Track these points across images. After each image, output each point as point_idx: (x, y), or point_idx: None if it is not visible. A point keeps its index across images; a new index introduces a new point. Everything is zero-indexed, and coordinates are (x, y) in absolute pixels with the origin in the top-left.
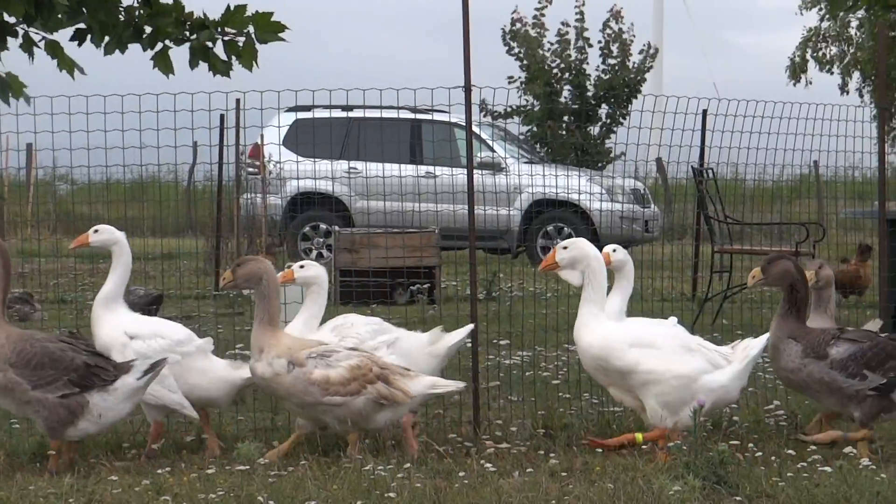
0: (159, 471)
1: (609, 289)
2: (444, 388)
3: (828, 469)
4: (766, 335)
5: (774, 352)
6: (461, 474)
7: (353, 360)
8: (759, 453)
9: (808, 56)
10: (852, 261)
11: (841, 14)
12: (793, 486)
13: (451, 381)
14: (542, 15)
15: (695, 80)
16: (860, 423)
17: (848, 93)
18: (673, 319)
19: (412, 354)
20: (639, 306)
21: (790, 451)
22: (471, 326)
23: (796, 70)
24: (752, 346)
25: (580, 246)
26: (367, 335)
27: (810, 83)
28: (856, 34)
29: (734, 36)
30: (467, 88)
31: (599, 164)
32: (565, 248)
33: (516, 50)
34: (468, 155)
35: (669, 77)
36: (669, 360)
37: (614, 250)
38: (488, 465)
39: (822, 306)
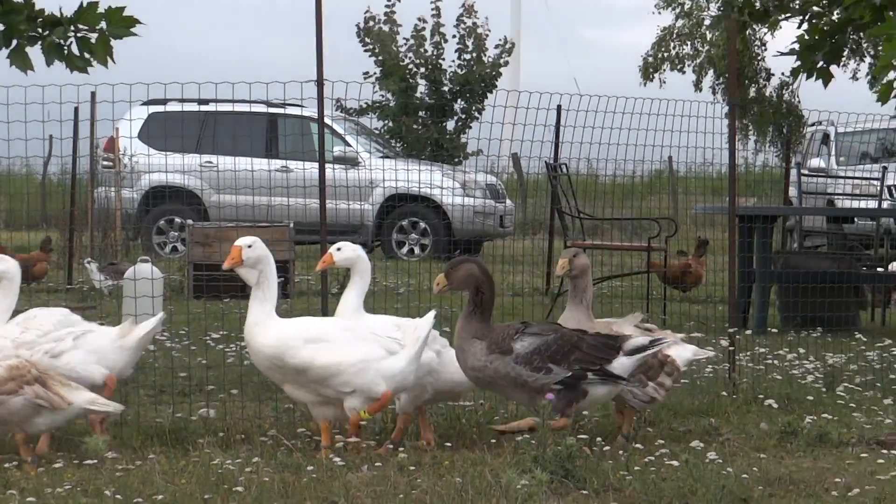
0: (6, 465)
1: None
2: (102, 407)
3: (675, 463)
4: (431, 315)
5: (460, 353)
6: (309, 468)
7: (11, 361)
8: (608, 447)
9: (661, 55)
10: (690, 255)
11: (695, 14)
12: (640, 480)
13: (112, 402)
14: (393, 11)
15: (555, 75)
16: (557, 413)
17: (701, 90)
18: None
19: (102, 348)
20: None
21: (638, 446)
22: (162, 315)
23: (648, 70)
24: (420, 328)
25: (260, 245)
26: (51, 328)
27: (664, 83)
28: (709, 33)
29: (592, 32)
30: (319, 83)
31: (455, 159)
32: (249, 246)
33: (371, 46)
34: (320, 149)
35: (529, 73)
36: (343, 352)
37: (339, 249)
38: (337, 459)
39: (578, 296)
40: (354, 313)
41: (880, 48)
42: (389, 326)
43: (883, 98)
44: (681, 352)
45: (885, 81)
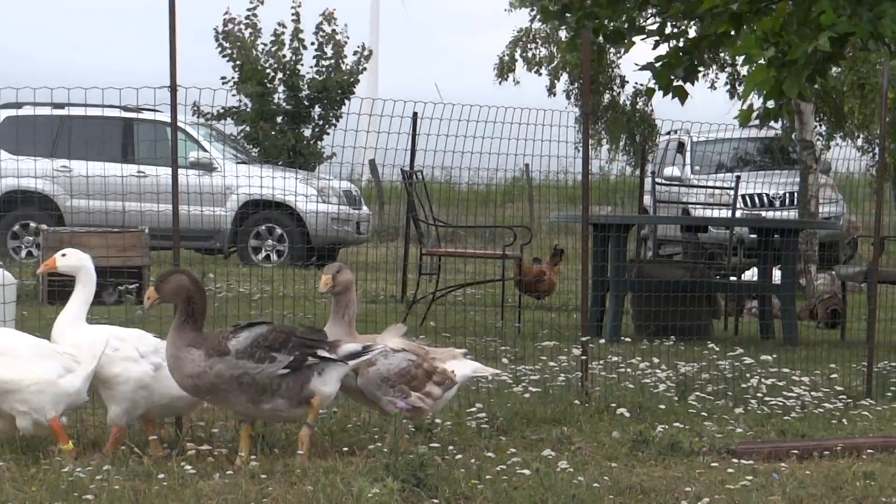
0: None
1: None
2: None
3: (526, 472)
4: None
5: (175, 363)
6: (161, 476)
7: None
8: (460, 456)
9: (517, 56)
10: (544, 263)
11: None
12: (491, 489)
13: None
14: (255, 15)
15: (414, 83)
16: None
17: (555, 95)
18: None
19: None
20: None
21: (490, 454)
22: None
23: (504, 69)
24: (96, 346)
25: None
26: None
27: (518, 83)
28: (565, 37)
29: (452, 38)
30: (173, 88)
31: (312, 166)
32: (63, 255)
33: (229, 50)
34: (173, 155)
35: (388, 80)
36: (25, 368)
37: (63, 255)
38: (188, 466)
39: (340, 312)
40: (74, 323)
41: (740, 59)
42: (111, 338)
43: (742, 121)
44: (459, 366)
45: (744, 106)
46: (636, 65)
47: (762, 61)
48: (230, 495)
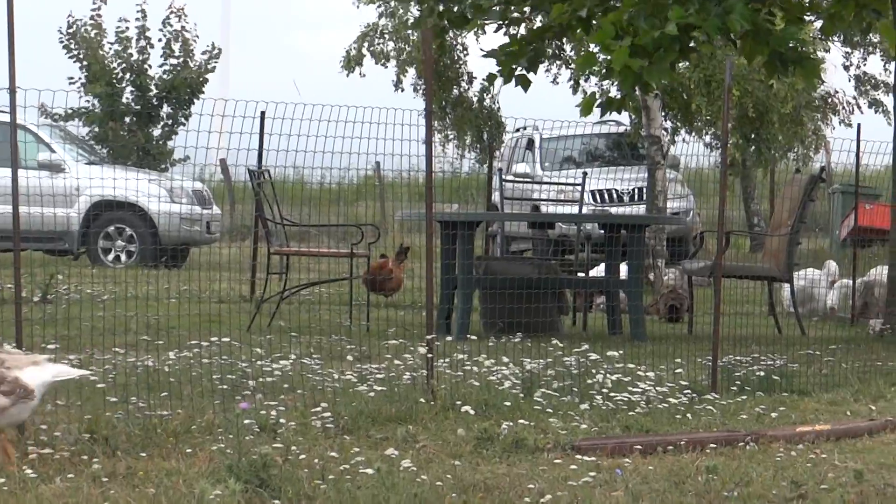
0: None
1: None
2: None
3: (370, 471)
4: None
5: None
6: (1, 480)
7: None
8: (304, 456)
9: (364, 50)
10: (390, 260)
11: (399, 14)
12: (334, 489)
13: None
14: (100, 15)
15: (270, 80)
16: None
17: (403, 90)
18: None
19: None
20: (195, 308)
21: (334, 454)
22: None
23: (351, 63)
24: None
25: None
26: None
27: (364, 75)
28: (412, 33)
29: (306, 35)
30: (12, 90)
31: (162, 166)
32: None
33: (76, 51)
34: (13, 156)
35: (243, 78)
36: None
37: None
38: (30, 470)
39: None
40: None
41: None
42: None
43: (585, 111)
44: (38, 373)
45: (587, 95)
46: (482, 50)
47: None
48: (72, 499)
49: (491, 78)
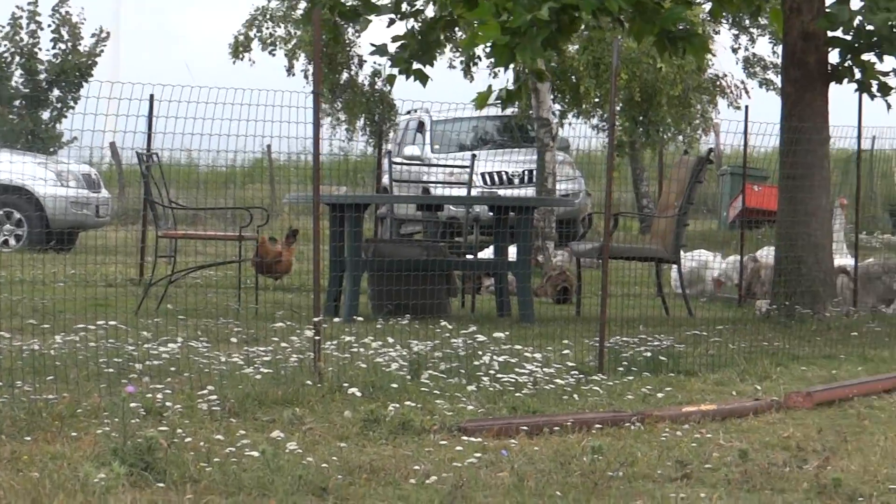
0: None
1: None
2: None
3: (255, 454)
4: None
5: None
6: None
7: None
8: (189, 439)
9: (252, 35)
10: (279, 243)
11: None
12: (220, 471)
13: None
14: None
15: (162, 64)
16: None
17: (294, 74)
18: None
19: None
20: (83, 292)
21: (220, 437)
22: None
23: (239, 49)
24: None
25: None
26: None
27: (253, 62)
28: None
29: (200, 18)
30: None
31: (50, 149)
32: None
33: None
34: None
35: (130, 63)
36: None
37: None
38: None
39: None
40: None
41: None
42: None
43: (479, 104)
44: None
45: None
46: (372, 45)
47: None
48: None
49: (391, 78)
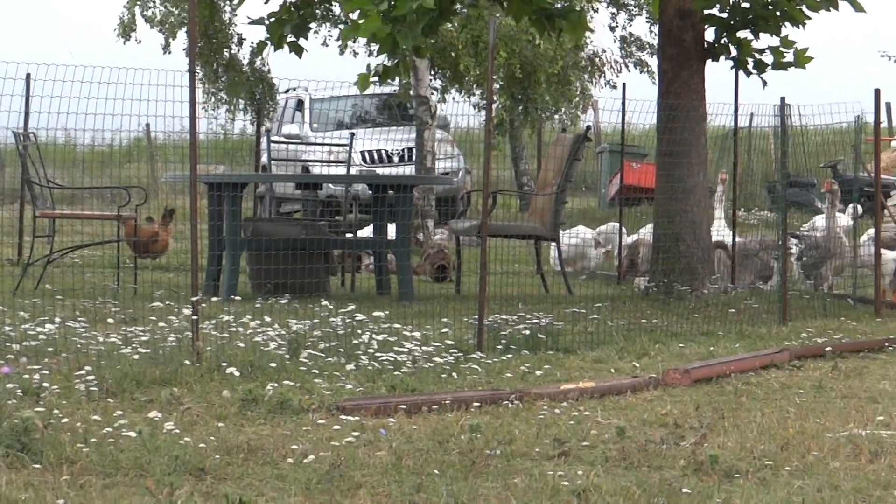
0: None
1: None
2: None
3: (132, 434)
4: None
5: None
6: None
7: None
8: (66, 420)
9: (136, 14)
10: (156, 223)
11: None
12: (97, 452)
13: None
14: None
15: (41, 44)
16: None
17: (171, 53)
18: None
19: None
20: None
21: (97, 417)
22: None
23: (125, 28)
24: None
25: None
26: None
27: (140, 42)
28: None
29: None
30: None
31: None
32: None
33: None
34: None
35: (7, 42)
36: None
37: None
38: None
39: None
40: None
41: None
42: None
43: (361, 86)
44: None
45: (362, 59)
46: (248, 18)
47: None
48: None
49: (261, 45)
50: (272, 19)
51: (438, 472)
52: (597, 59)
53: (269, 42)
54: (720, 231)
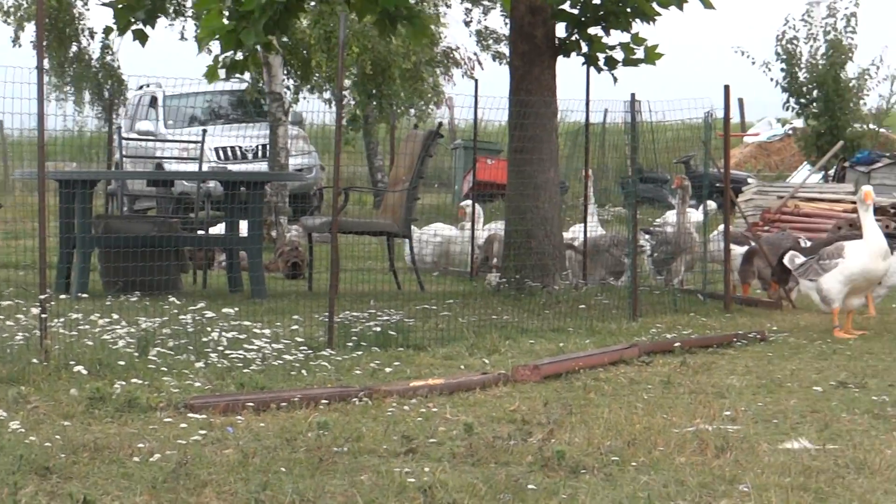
0: None
1: None
2: None
3: None
4: None
5: None
6: None
7: None
8: None
9: None
10: None
11: None
12: None
13: None
14: None
15: None
16: None
17: (21, 45)
18: None
19: None
20: None
21: None
22: None
23: None
24: None
25: None
26: None
27: None
28: None
29: None
30: None
31: None
32: None
33: None
34: None
35: None
36: None
37: None
38: None
39: None
40: None
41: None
42: None
43: (210, 78)
44: None
45: (210, 56)
46: (97, 2)
47: (222, 12)
48: None
49: (107, 30)
50: (122, 5)
51: (285, 469)
52: (451, 55)
53: (115, 27)
54: (594, 229)
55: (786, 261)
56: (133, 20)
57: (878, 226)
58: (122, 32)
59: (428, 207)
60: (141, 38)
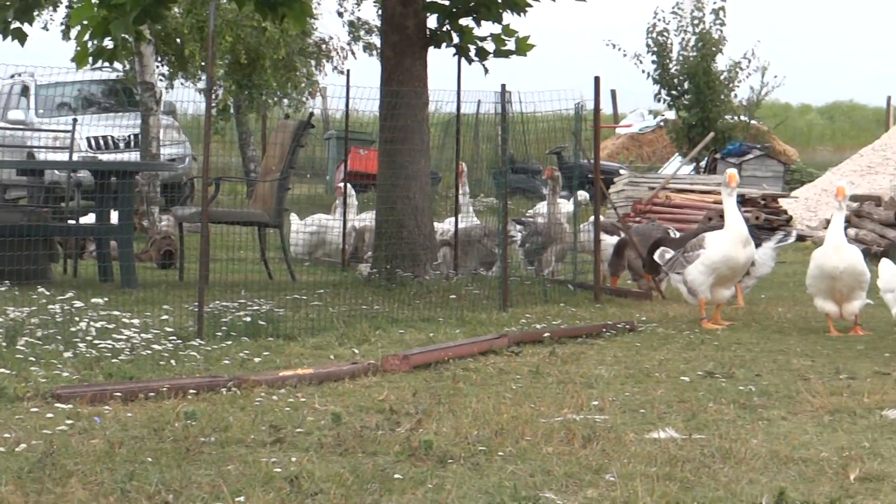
0: None
1: None
2: None
3: None
4: None
5: None
6: None
7: None
8: None
9: None
10: None
11: None
12: None
13: None
14: None
15: None
16: None
17: None
18: None
19: None
20: None
21: None
22: None
23: None
24: None
25: None
26: None
27: None
28: None
29: None
30: None
31: None
32: None
33: None
34: None
35: None
36: None
37: None
38: None
39: None
40: None
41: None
42: None
43: (79, 63)
44: None
45: (79, 47)
46: None
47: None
48: None
49: None
50: None
51: (152, 459)
52: (324, 46)
53: None
54: (467, 217)
55: (656, 257)
56: (10, 20)
57: (740, 212)
58: (4, 36)
59: (302, 198)
60: (20, 37)
